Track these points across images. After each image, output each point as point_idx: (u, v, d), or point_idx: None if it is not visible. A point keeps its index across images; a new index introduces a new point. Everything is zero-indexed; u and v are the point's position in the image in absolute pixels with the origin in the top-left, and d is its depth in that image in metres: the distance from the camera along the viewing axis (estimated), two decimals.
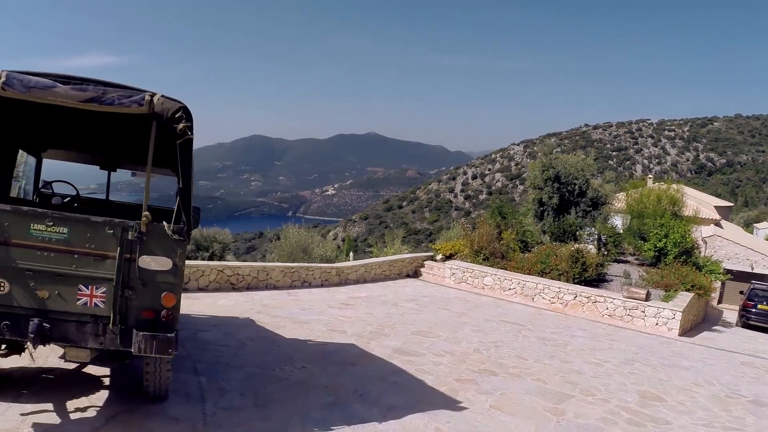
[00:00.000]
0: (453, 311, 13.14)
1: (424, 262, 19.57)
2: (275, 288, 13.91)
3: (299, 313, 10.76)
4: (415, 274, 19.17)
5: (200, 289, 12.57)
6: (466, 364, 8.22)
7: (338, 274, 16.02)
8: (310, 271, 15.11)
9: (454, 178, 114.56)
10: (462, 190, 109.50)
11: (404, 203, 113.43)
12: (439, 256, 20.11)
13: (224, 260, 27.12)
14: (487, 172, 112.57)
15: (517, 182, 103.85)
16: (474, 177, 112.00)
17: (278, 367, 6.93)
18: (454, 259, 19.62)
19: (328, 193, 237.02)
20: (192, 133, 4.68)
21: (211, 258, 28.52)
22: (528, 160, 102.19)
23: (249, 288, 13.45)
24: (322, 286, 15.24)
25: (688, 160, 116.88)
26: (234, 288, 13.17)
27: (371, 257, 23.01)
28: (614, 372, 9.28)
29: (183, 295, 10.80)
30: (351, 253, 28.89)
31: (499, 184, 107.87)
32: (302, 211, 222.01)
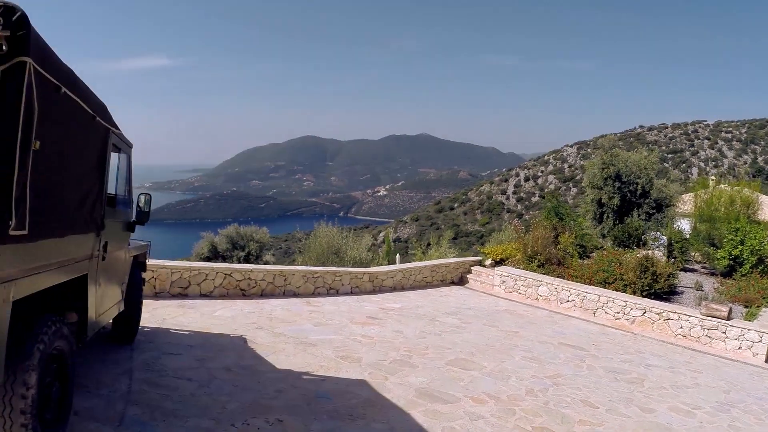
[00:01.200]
0: (501, 329, 10.91)
1: (471, 268, 17.35)
2: (295, 296, 12.00)
3: (309, 331, 8.75)
4: (461, 281, 16.98)
5: (203, 296, 10.77)
6: (515, 417, 5.92)
7: (371, 281, 14.00)
8: (338, 276, 13.14)
9: (506, 180, 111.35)
10: (514, 192, 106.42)
11: (456, 205, 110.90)
12: (488, 262, 17.87)
13: (260, 261, 25.52)
14: (539, 174, 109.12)
15: (570, 185, 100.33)
16: (526, 179, 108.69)
17: (242, 421, 4.83)
18: (505, 264, 17.37)
19: (379, 193, 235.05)
20: (29, 54, 2.71)
21: (246, 259, 26.99)
22: (581, 162, 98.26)
23: (263, 295, 11.57)
24: (351, 293, 13.26)
25: (746, 162, 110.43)
26: (244, 295, 11.31)
27: (414, 261, 20.99)
28: (709, 425, 6.89)
29: (175, 303, 8.71)
30: (398, 256, 26.87)
31: (551, 186, 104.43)
32: (354, 212, 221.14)
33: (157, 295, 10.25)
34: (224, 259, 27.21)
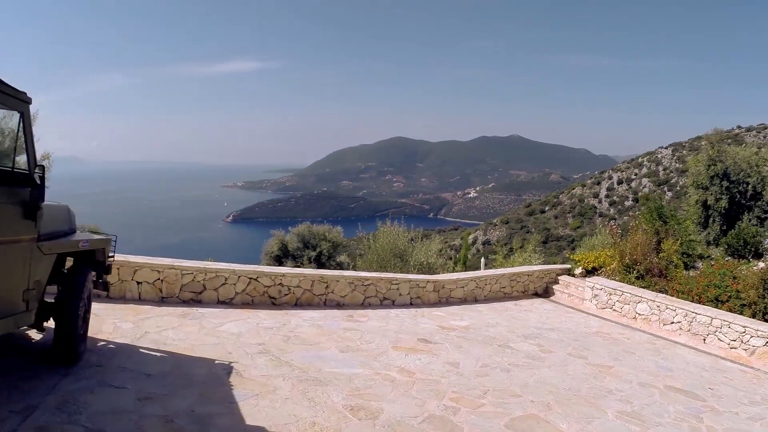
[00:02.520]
0: (591, 362, 8.33)
1: (558, 278, 14.71)
2: (338, 306, 9.94)
3: (330, 359, 6.60)
4: (545, 293, 14.39)
5: (221, 303, 8.91)
6: None
7: (437, 290, 11.76)
8: (394, 284, 10.97)
9: (598, 183, 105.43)
10: (607, 196, 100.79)
11: (546, 208, 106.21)
12: (578, 270, 15.16)
13: (332, 262, 23.77)
14: (633, 176, 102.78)
15: (665, 188, 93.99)
16: (619, 182, 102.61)
17: None
18: (598, 274, 14.64)
19: (469, 195, 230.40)
20: None
21: (318, 259, 25.32)
22: (677, 165, 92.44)
23: (297, 305, 9.59)
24: (411, 305, 11.07)
25: None
26: (273, 304, 9.36)
27: (493, 267, 18.61)
28: None
29: (179, 311, 7.94)
30: (483, 260, 24.51)
31: (645, 190, 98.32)
32: (443, 213, 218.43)
33: (163, 301, 8.50)
34: (294, 259, 25.69)
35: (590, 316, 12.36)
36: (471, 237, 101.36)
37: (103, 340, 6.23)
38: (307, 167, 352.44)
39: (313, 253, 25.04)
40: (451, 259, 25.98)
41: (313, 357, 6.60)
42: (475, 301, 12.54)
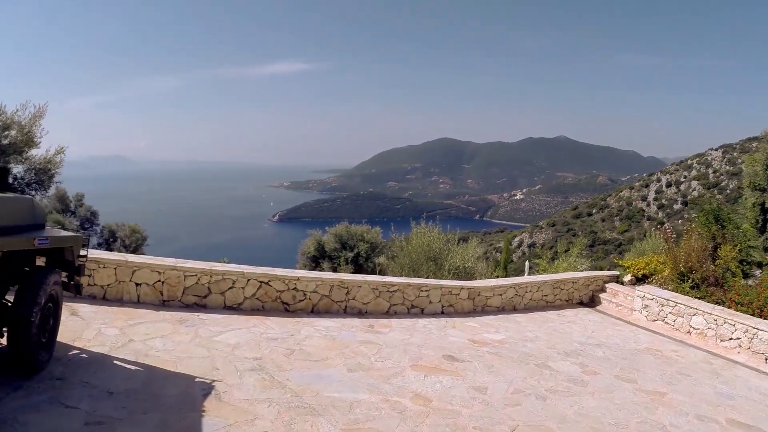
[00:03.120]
0: (641, 387, 7.14)
1: (606, 285, 13.44)
2: (359, 314, 9.01)
3: (333, 381, 5.64)
4: (591, 302, 13.16)
5: (228, 308, 8.07)
6: None
7: (471, 298, 10.71)
8: (424, 291, 9.97)
9: (647, 186, 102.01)
10: (655, 199, 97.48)
11: (594, 210, 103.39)
12: (627, 277, 13.86)
13: (369, 263, 22.90)
14: (682, 179, 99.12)
15: (715, 191, 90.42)
16: (668, 184, 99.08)
17: None
18: (649, 282, 13.33)
19: (516, 197, 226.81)
20: None
21: (355, 260, 24.46)
22: (727, 167, 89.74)
23: (314, 312, 8.69)
24: (442, 314, 10.06)
25: None
26: (287, 310, 8.48)
27: (536, 272, 17.46)
28: None
29: (177, 316, 7.18)
30: (527, 263, 23.26)
31: (695, 193, 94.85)
32: (489, 215, 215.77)
33: (164, 304, 7.71)
34: (331, 261, 24.86)
35: (640, 330, 11.10)
36: (516, 239, 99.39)
37: (78, 349, 5.50)
38: (353, 168, 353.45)
39: (351, 254, 24.20)
40: (491, 263, 24.78)
41: (313, 377, 5.66)
42: (514, 310, 11.44)
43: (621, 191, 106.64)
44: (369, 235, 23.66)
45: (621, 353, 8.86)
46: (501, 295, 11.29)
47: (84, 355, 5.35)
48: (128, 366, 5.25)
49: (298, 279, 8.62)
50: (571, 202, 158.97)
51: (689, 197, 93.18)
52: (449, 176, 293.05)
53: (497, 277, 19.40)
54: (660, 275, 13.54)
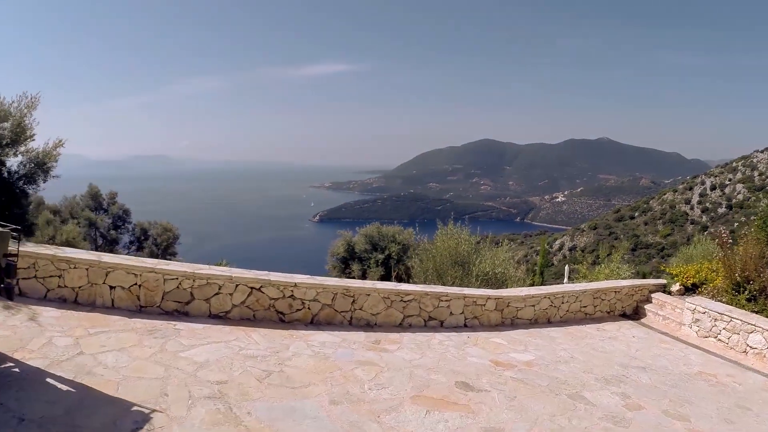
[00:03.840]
0: (694, 428, 5.75)
1: (651, 295, 11.96)
2: (367, 327, 7.82)
3: (308, 415, 4.43)
4: (635, 314, 11.69)
5: (214, 317, 7.01)
6: None
7: (499, 309, 9.40)
8: (444, 300, 8.71)
9: (690, 188, 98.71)
10: (699, 202, 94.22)
11: (636, 214, 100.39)
12: (675, 287, 12.34)
13: (400, 266, 21.67)
14: (727, 182, 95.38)
15: (761, 195, 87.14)
16: (712, 187, 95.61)
17: None
18: (699, 293, 11.80)
19: (557, 199, 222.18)
20: None
21: (385, 263, 23.26)
22: None
23: (313, 323, 7.54)
24: (465, 327, 8.81)
25: None
26: (282, 320, 7.36)
27: (575, 280, 16.04)
28: None
29: (149, 325, 6.32)
30: (567, 268, 21.81)
31: (740, 197, 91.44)
32: (530, 218, 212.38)
33: (141, 311, 6.72)
34: (361, 262, 23.72)
35: (690, 348, 9.62)
36: (557, 243, 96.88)
37: (13, 361, 4.60)
38: (394, 169, 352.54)
39: (381, 256, 23.02)
40: (529, 268, 23.30)
41: (283, 410, 4.48)
42: (548, 322, 10.08)
43: (664, 194, 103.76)
44: (401, 237, 22.45)
45: (670, 379, 7.45)
46: (534, 306, 9.95)
47: (16, 369, 4.44)
48: (61, 386, 4.26)
49: (295, 285, 7.47)
50: (614, 204, 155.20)
51: (734, 201, 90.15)
52: (490, 178, 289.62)
53: (532, 283, 17.97)
54: (711, 284, 12.00)
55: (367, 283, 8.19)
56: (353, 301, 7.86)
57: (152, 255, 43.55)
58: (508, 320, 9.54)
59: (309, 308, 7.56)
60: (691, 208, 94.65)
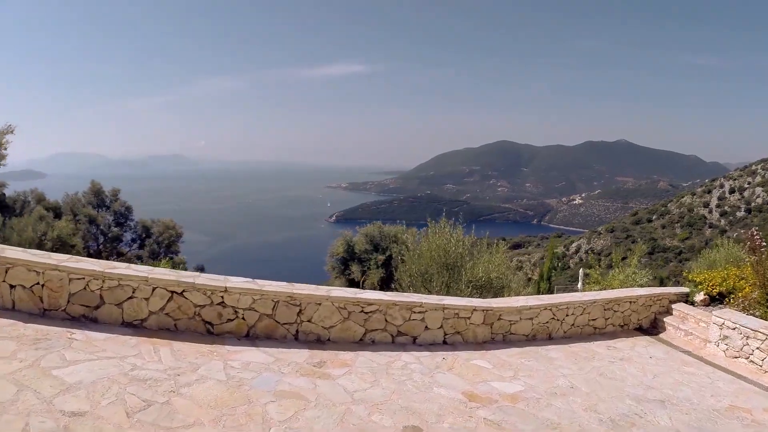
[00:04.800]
0: None
1: (672, 306, 10.35)
2: (316, 344, 6.33)
3: None
4: (653, 328, 10.08)
5: (127, 324, 5.64)
6: None
7: (488, 323, 7.87)
8: (417, 312, 7.17)
9: (709, 192, 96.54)
10: (718, 206, 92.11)
11: (654, 217, 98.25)
12: (699, 296, 10.71)
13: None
14: (746, 185, 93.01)
15: None
16: (731, 191, 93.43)
17: None
18: (728, 304, 10.20)
19: (574, 202, 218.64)
20: None
21: (386, 264, 21.79)
22: None
23: (249, 336, 6.08)
24: (444, 345, 7.30)
25: None
26: (210, 332, 5.90)
27: (588, 286, 14.50)
28: None
29: (33, 334, 5.19)
30: (581, 272, 20.21)
31: (759, 200, 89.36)
32: (547, 220, 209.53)
33: (44, 314, 5.44)
34: (361, 263, 22.23)
35: (717, 371, 8.00)
36: (574, 245, 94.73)
37: None
38: (411, 170, 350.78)
39: (382, 257, 21.55)
40: (539, 271, 21.66)
41: None
42: (549, 339, 8.51)
43: (682, 197, 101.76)
44: (404, 236, 20.91)
45: (695, 418, 5.85)
46: (531, 319, 8.37)
47: None
48: None
49: (225, 290, 5.98)
50: (631, 207, 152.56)
51: (753, 204, 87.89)
52: (507, 179, 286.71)
53: (539, 291, 16.34)
54: (741, 294, 10.38)
55: (320, 290, 6.65)
56: (300, 311, 6.35)
57: (153, 253, 42.39)
58: (499, 336, 7.99)
59: (244, 318, 6.07)
60: (710, 212, 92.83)
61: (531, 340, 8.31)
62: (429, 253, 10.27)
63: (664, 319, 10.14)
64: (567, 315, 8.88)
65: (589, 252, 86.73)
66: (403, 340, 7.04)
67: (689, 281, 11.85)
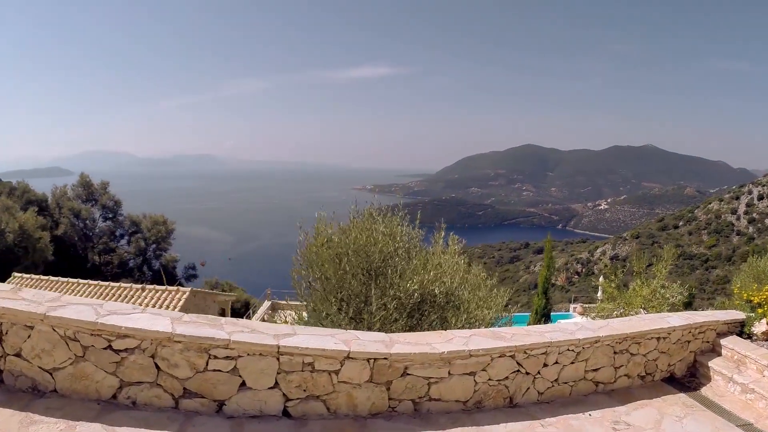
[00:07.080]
0: None
1: (720, 341, 6.36)
2: (32, 395, 2.51)
3: None
4: (691, 377, 6.13)
5: None
6: None
7: (379, 380, 4.02)
8: (218, 358, 3.36)
9: (737, 198, 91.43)
10: (746, 212, 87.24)
11: (680, 223, 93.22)
12: (760, 327, 6.70)
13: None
14: None
15: None
16: (760, 197, 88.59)
17: None
18: None
19: (600, 207, 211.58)
20: None
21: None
22: None
23: None
24: (284, 417, 3.41)
25: None
26: None
27: (601, 306, 10.59)
28: None
29: None
30: (602, 279, 16.57)
31: None
32: (572, 225, 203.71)
33: None
34: None
35: None
36: (599, 251, 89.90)
37: None
38: (437, 173, 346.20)
39: None
40: (542, 281, 17.60)
41: None
42: (510, 404, 4.68)
43: (709, 203, 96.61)
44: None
45: None
46: (473, 373, 4.52)
47: None
48: None
49: None
50: (657, 213, 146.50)
51: None
52: (532, 184, 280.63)
53: (536, 309, 12.33)
54: None
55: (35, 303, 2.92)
56: None
57: (140, 250, 38.74)
58: (404, 404, 4.16)
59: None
60: (738, 219, 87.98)
61: (471, 410, 4.46)
62: (338, 252, 6.45)
63: (709, 364, 6.19)
64: (545, 364, 4.98)
65: (601, 259, 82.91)
66: (193, 405, 3.25)
67: (742, 300, 7.87)
